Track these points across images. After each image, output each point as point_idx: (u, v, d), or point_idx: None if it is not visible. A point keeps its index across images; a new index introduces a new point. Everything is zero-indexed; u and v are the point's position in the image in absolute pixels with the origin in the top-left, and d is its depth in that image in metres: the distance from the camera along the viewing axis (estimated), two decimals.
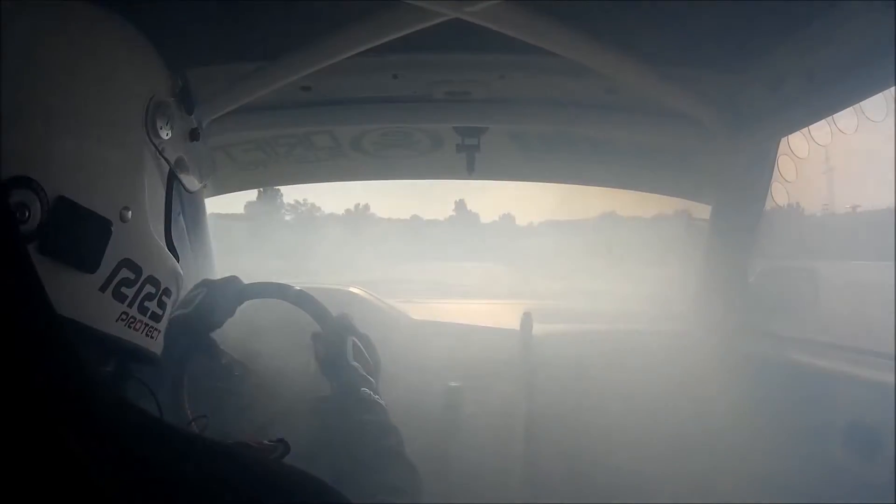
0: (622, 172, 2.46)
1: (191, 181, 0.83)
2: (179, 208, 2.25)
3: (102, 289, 0.68)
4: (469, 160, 2.25)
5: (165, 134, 0.76)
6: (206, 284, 1.74)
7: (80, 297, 0.66)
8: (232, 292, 1.73)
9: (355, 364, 1.57)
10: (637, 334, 2.42)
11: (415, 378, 2.18)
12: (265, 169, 2.48)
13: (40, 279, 0.54)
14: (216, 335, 1.81)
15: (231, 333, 1.91)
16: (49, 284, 0.61)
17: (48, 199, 0.63)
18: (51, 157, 0.64)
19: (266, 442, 0.81)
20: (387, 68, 1.89)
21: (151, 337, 0.74)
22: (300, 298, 1.91)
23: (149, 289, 0.72)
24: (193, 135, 0.82)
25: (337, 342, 1.58)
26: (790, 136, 1.94)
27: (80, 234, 0.66)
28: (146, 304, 0.73)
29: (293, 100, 2.03)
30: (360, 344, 1.62)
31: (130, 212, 0.70)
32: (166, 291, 0.76)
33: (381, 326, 2.31)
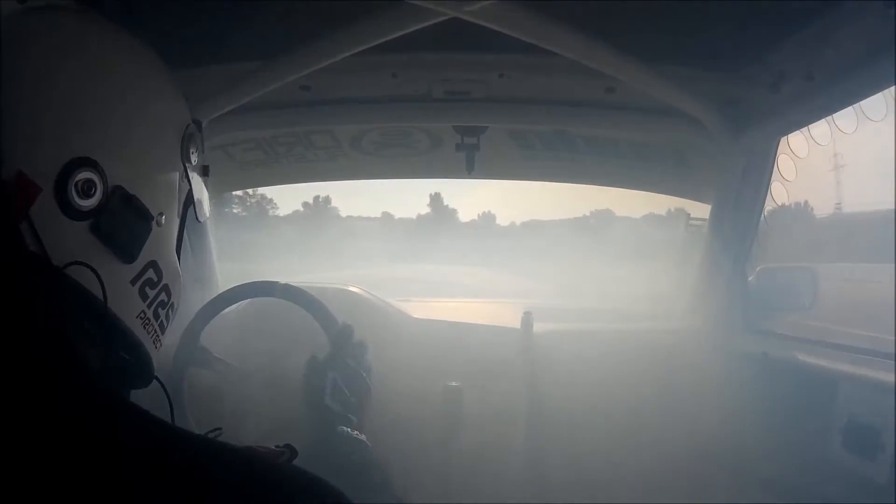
0: (621, 172, 2.46)
1: (201, 210, 0.89)
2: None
3: (133, 282, 0.73)
4: (469, 159, 2.25)
5: (194, 160, 0.83)
6: None
7: (113, 284, 0.70)
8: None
9: (330, 405, 1.59)
10: (637, 333, 2.42)
11: (415, 377, 2.18)
12: (265, 168, 2.47)
13: (40, 278, 0.56)
14: (210, 343, 1.81)
15: (225, 337, 1.91)
16: (92, 262, 0.68)
17: (108, 184, 0.70)
18: (112, 152, 0.71)
19: (274, 447, 0.82)
20: (386, 67, 1.89)
21: (156, 346, 0.77)
22: (288, 293, 1.91)
23: (163, 297, 0.77)
24: (205, 171, 0.90)
25: (316, 382, 1.61)
26: (790, 136, 1.94)
27: (128, 224, 0.72)
28: (159, 311, 0.76)
29: (293, 99, 2.02)
30: (340, 382, 1.64)
31: (164, 217, 0.77)
32: (172, 306, 0.79)
33: (381, 325, 2.31)
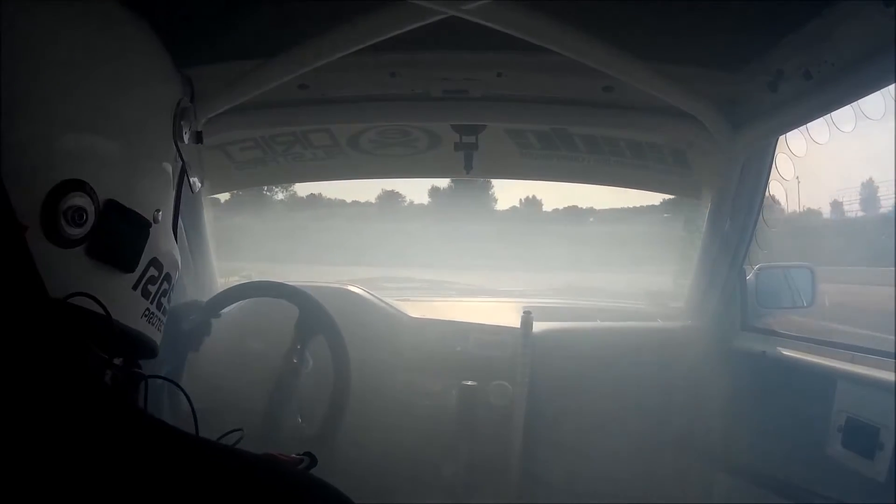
0: (620, 170, 2.46)
1: (195, 182, 0.84)
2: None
3: (135, 287, 0.70)
4: (467, 158, 2.25)
5: (187, 138, 0.78)
6: None
7: (116, 296, 0.67)
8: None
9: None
10: (636, 332, 2.42)
11: (414, 376, 2.19)
12: (263, 167, 2.47)
13: (44, 285, 0.55)
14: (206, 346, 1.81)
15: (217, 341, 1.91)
16: (92, 283, 0.64)
17: (99, 202, 0.64)
18: (99, 163, 0.65)
19: (294, 455, 0.82)
20: (384, 66, 1.88)
21: (160, 331, 0.76)
22: (281, 290, 1.92)
23: (164, 286, 0.74)
24: (198, 137, 0.84)
25: None
26: (788, 135, 1.94)
27: (126, 236, 0.68)
28: (161, 300, 0.74)
29: (291, 98, 2.02)
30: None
31: (161, 213, 0.72)
32: (172, 287, 0.77)
33: (380, 325, 2.32)
